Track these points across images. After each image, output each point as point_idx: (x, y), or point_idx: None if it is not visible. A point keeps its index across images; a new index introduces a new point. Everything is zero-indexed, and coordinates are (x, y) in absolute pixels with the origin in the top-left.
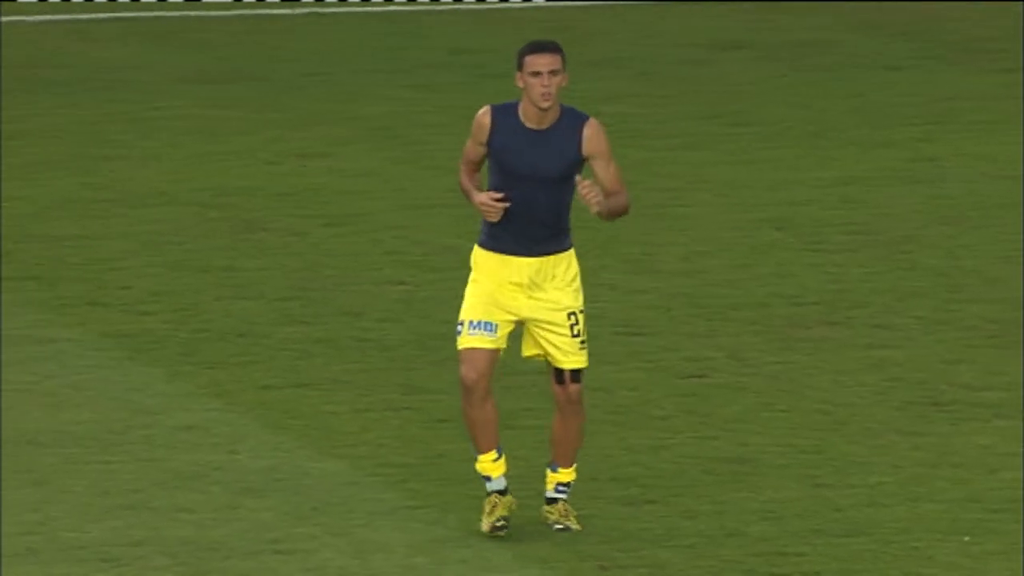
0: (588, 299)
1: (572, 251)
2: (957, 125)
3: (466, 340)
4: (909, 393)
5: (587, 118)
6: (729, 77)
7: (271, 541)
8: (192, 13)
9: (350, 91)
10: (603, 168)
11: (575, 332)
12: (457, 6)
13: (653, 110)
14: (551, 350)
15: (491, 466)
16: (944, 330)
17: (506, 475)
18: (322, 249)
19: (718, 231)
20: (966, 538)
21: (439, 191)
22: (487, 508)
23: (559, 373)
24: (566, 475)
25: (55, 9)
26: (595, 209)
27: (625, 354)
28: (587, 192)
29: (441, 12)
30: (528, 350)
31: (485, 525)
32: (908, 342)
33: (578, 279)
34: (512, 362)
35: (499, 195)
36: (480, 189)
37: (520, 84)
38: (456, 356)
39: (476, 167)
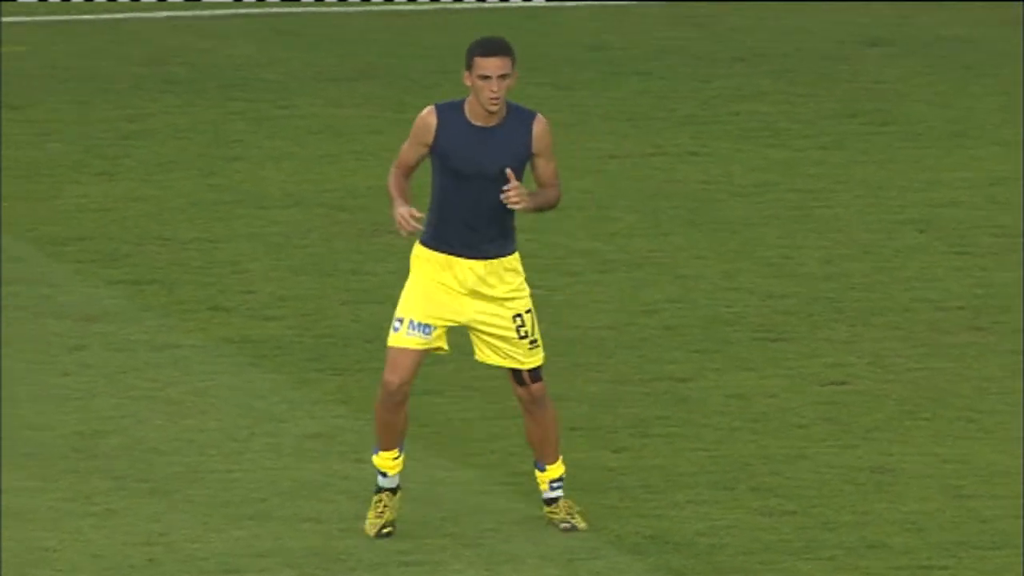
0: (724, 303)
1: (517, 254)
2: None
3: (400, 339)
4: None
5: (535, 115)
6: (870, 74)
7: (399, 552)
8: (320, 9)
9: None
10: (544, 164)
11: (522, 334)
12: (596, 3)
13: (793, 108)
14: (504, 357)
15: (390, 463)
16: None
17: (401, 474)
18: None
19: (860, 233)
20: None
21: (573, 193)
22: (377, 507)
23: (518, 375)
24: (555, 470)
25: (181, 6)
26: (519, 208)
27: (764, 360)
28: (512, 195)
29: (580, 7)
30: (483, 358)
31: (371, 529)
32: None
33: (522, 280)
34: (647, 368)
35: (419, 215)
36: (408, 196)
37: (468, 83)
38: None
39: (410, 171)
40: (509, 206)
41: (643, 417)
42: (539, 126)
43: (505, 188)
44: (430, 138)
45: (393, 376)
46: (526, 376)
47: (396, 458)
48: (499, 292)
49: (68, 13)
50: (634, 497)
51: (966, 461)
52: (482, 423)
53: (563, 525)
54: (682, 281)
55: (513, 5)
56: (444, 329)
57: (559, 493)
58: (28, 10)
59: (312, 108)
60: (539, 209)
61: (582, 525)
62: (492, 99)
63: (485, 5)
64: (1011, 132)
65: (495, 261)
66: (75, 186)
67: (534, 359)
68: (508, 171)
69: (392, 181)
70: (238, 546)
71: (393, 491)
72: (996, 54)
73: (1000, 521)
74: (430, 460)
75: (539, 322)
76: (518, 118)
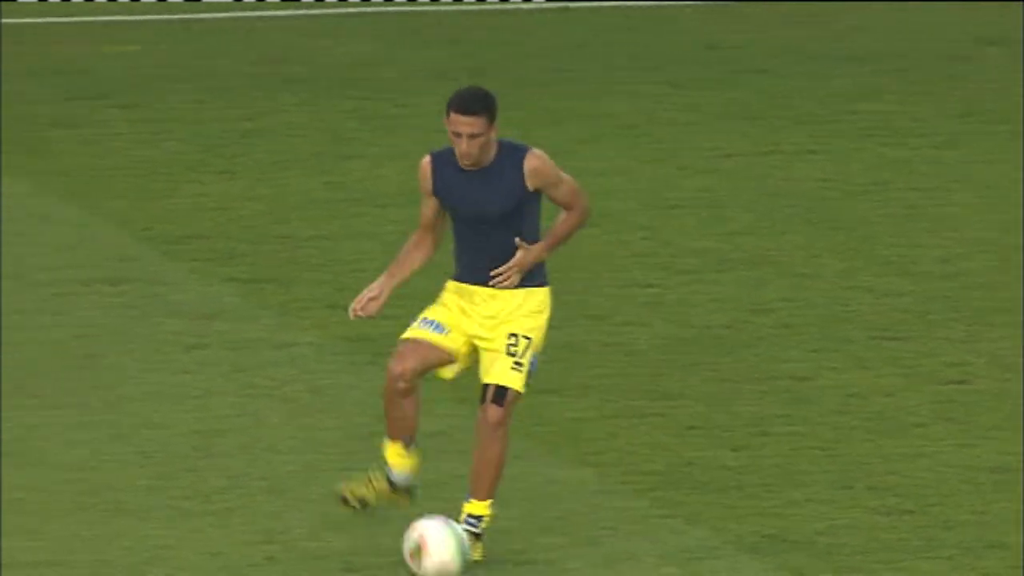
0: (841, 302)
1: (542, 289)
2: None
3: (409, 331)
4: None
5: (526, 151)
6: (987, 74)
7: (516, 551)
8: (436, 8)
9: (597, 88)
10: (555, 192)
11: (511, 351)
12: (712, 2)
13: (911, 107)
14: (482, 367)
15: (396, 459)
16: None
17: (414, 475)
18: (568, 251)
19: (977, 231)
20: None
21: (689, 191)
22: (363, 480)
23: (484, 390)
24: (475, 507)
25: (298, 5)
26: (507, 286)
27: (881, 359)
28: (502, 280)
29: (696, 7)
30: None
31: (345, 489)
32: None
33: (539, 311)
34: (764, 367)
35: (373, 307)
36: (398, 273)
37: (448, 129)
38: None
39: (430, 225)
40: (499, 288)
41: (761, 416)
42: (530, 163)
43: (495, 272)
44: (430, 185)
45: (396, 365)
46: (489, 391)
47: (402, 455)
48: (504, 313)
49: (184, 12)
50: (752, 496)
51: None
52: (599, 422)
53: (352, 502)
54: (798, 280)
55: (630, 5)
56: (460, 339)
57: (471, 529)
58: (143, 9)
59: (428, 106)
60: (559, 244)
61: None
62: (464, 154)
63: (603, 4)
64: None
65: (514, 292)
66: (192, 185)
67: (506, 378)
68: (517, 241)
69: (403, 246)
70: (357, 544)
71: (394, 487)
72: None
73: None
74: (547, 459)
75: (655, 322)
76: (509, 157)
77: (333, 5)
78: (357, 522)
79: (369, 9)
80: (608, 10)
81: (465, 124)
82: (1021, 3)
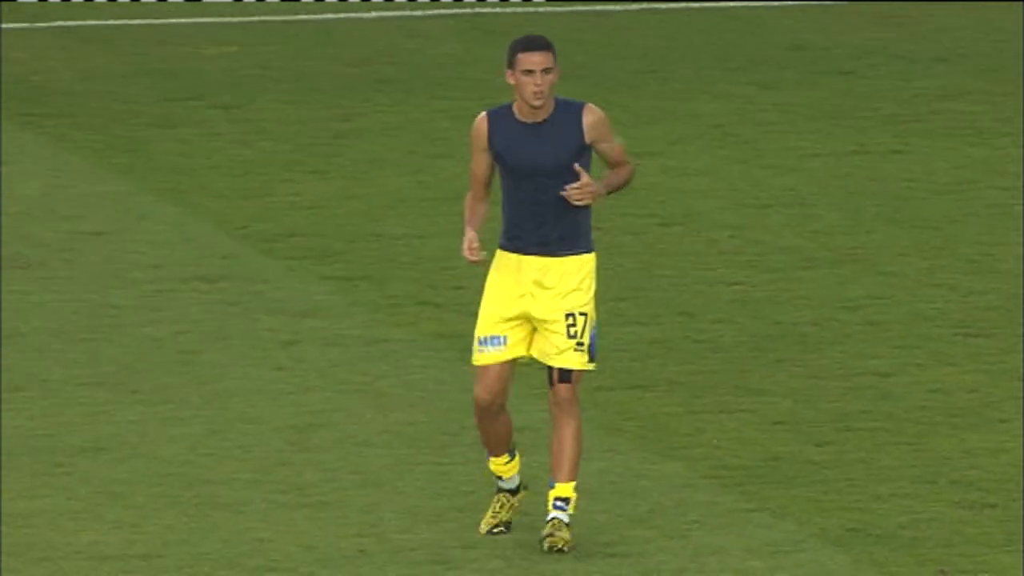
0: (926, 299)
1: (589, 255)
2: None
3: (477, 359)
4: None
5: (584, 104)
6: None
7: (605, 544)
8: (526, 9)
9: (686, 88)
10: (608, 148)
11: (571, 333)
12: (797, 3)
13: (995, 107)
14: (543, 349)
15: (503, 468)
16: None
17: (519, 473)
18: (656, 249)
19: None
20: None
21: (775, 190)
22: (495, 507)
23: (549, 373)
24: (563, 490)
25: (390, 7)
26: (583, 203)
27: (965, 356)
28: (574, 193)
29: (781, 7)
30: (534, 352)
31: (484, 526)
32: None
33: (589, 282)
34: (849, 363)
35: (478, 248)
36: (480, 220)
37: (511, 81)
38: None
39: (483, 185)
40: (573, 203)
41: (846, 411)
42: (589, 116)
43: (569, 186)
44: (485, 142)
45: (483, 393)
46: (555, 374)
47: (508, 462)
48: (557, 286)
49: (279, 14)
50: (838, 490)
51: None
52: (687, 417)
53: (545, 542)
54: (884, 278)
55: (716, 6)
56: (520, 332)
57: (560, 515)
58: (242, 11)
59: None
60: (613, 192)
61: (562, 541)
62: (536, 92)
63: (690, 6)
64: None
65: (560, 260)
66: (287, 184)
67: (571, 360)
68: (576, 167)
69: (467, 204)
70: (447, 537)
71: (513, 492)
72: None
73: None
74: (635, 453)
75: (742, 319)
76: (567, 111)
77: (424, 7)
78: (447, 516)
79: (459, 11)
80: (694, 11)
81: (538, 60)
82: None
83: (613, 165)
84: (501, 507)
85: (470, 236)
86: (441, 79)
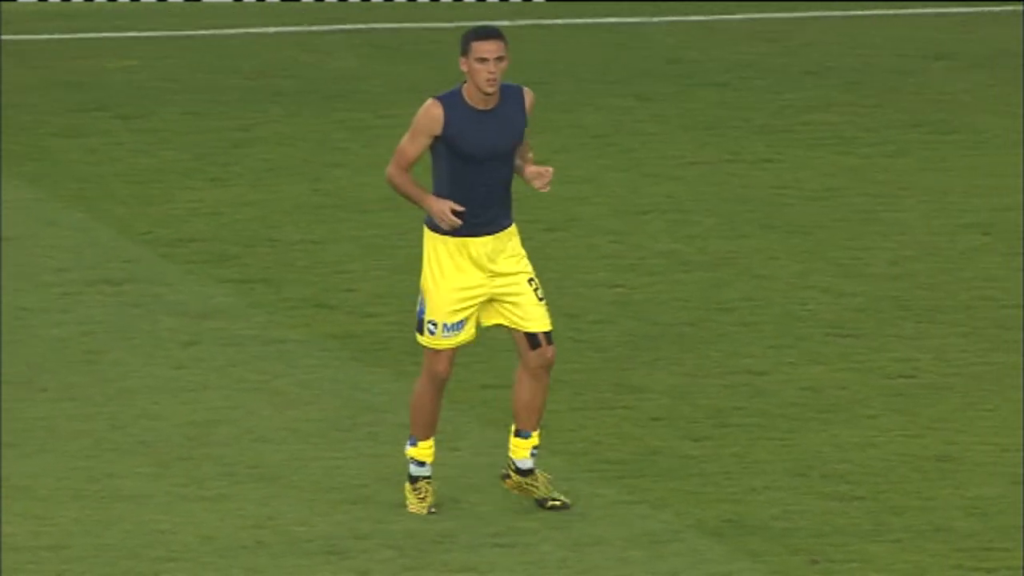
0: (798, 301)
1: (514, 224)
2: None
3: (439, 342)
4: None
5: (521, 87)
6: (935, 86)
7: (492, 535)
8: (417, 25)
9: (568, 100)
10: (526, 126)
11: (539, 296)
12: (674, 17)
13: (862, 118)
14: (520, 318)
15: (427, 453)
16: None
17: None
18: (542, 253)
19: (925, 236)
20: None
21: (654, 197)
22: (417, 497)
23: (533, 338)
24: (536, 438)
25: (287, 21)
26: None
27: (835, 355)
28: (539, 182)
29: (661, 23)
30: (490, 319)
31: (422, 508)
32: None
33: (522, 248)
34: (725, 362)
35: (460, 208)
36: (422, 189)
37: (464, 68)
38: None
39: (411, 166)
40: (541, 189)
41: (721, 408)
42: (528, 97)
43: (531, 174)
44: (439, 129)
45: (444, 369)
46: (542, 338)
47: (431, 447)
48: (507, 258)
49: (181, 29)
50: (714, 483)
51: None
52: (569, 414)
53: (551, 503)
54: (757, 280)
55: (598, 22)
56: (474, 313)
57: (533, 464)
58: (143, 26)
59: (407, 117)
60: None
61: (569, 502)
62: (490, 80)
63: (575, 21)
64: None
65: (502, 234)
66: (188, 191)
67: (547, 321)
68: (537, 169)
69: (403, 180)
70: (341, 529)
71: (429, 479)
72: None
73: None
74: None
75: (622, 320)
76: (509, 95)
77: (320, 23)
78: (340, 508)
79: (352, 27)
80: (577, 27)
81: (492, 49)
82: (964, 20)
83: (522, 143)
84: (427, 493)
85: (443, 200)
86: (336, 92)
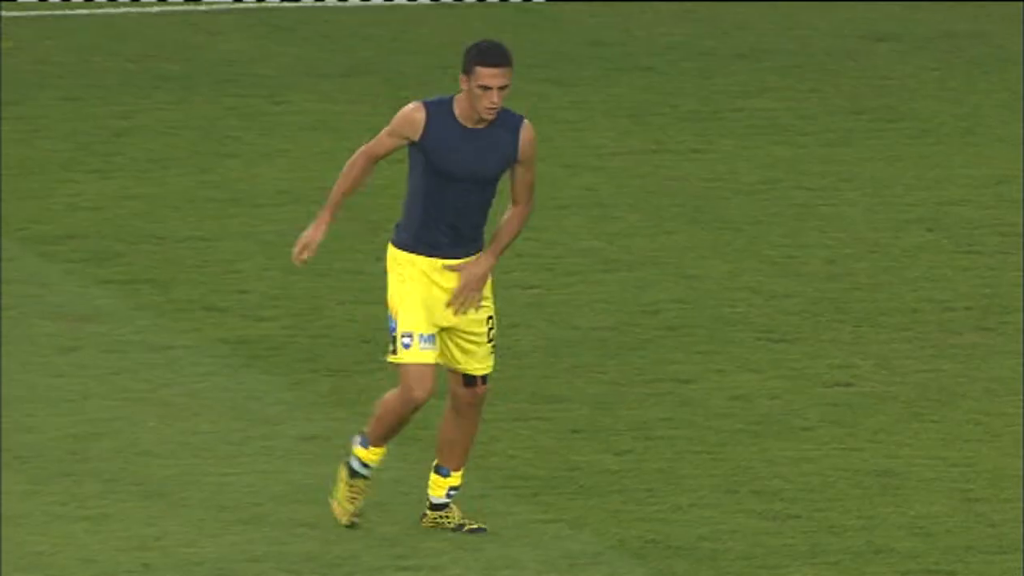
0: (728, 303)
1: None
2: None
3: (417, 355)
4: None
5: (523, 120)
6: (877, 71)
7: (397, 557)
8: (313, 4)
9: None
10: (523, 173)
11: (490, 337)
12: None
13: (799, 105)
14: (463, 357)
15: (376, 460)
16: None
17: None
18: None
19: (866, 232)
20: None
21: (573, 190)
22: (350, 494)
23: (470, 378)
24: (456, 479)
25: (174, 1)
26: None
27: (767, 361)
28: (458, 304)
29: (579, 2)
30: (445, 360)
31: (345, 516)
32: None
33: (490, 283)
34: (649, 370)
35: (310, 255)
36: (341, 203)
37: (464, 87)
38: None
39: (378, 160)
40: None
41: (645, 419)
42: (527, 133)
43: (458, 298)
44: (416, 135)
45: (421, 391)
46: (478, 379)
47: (382, 455)
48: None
49: (59, 8)
50: (636, 500)
51: (973, 464)
52: (482, 426)
53: (471, 526)
54: (685, 281)
55: (512, 2)
56: (437, 336)
57: (450, 502)
58: (18, 6)
59: (306, 104)
60: (505, 249)
61: (486, 526)
62: (490, 109)
63: (484, 2)
64: (1018, 130)
65: (472, 258)
66: (67, 184)
67: (489, 364)
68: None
69: (350, 174)
70: (233, 551)
71: (369, 480)
72: (1004, 50)
73: (1007, 525)
74: (429, 463)
75: (538, 323)
76: (506, 122)
77: (210, 1)
78: (232, 529)
79: (245, 5)
80: (488, 6)
81: (498, 77)
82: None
83: (516, 191)
84: (358, 493)
85: (312, 236)
86: (227, 76)
